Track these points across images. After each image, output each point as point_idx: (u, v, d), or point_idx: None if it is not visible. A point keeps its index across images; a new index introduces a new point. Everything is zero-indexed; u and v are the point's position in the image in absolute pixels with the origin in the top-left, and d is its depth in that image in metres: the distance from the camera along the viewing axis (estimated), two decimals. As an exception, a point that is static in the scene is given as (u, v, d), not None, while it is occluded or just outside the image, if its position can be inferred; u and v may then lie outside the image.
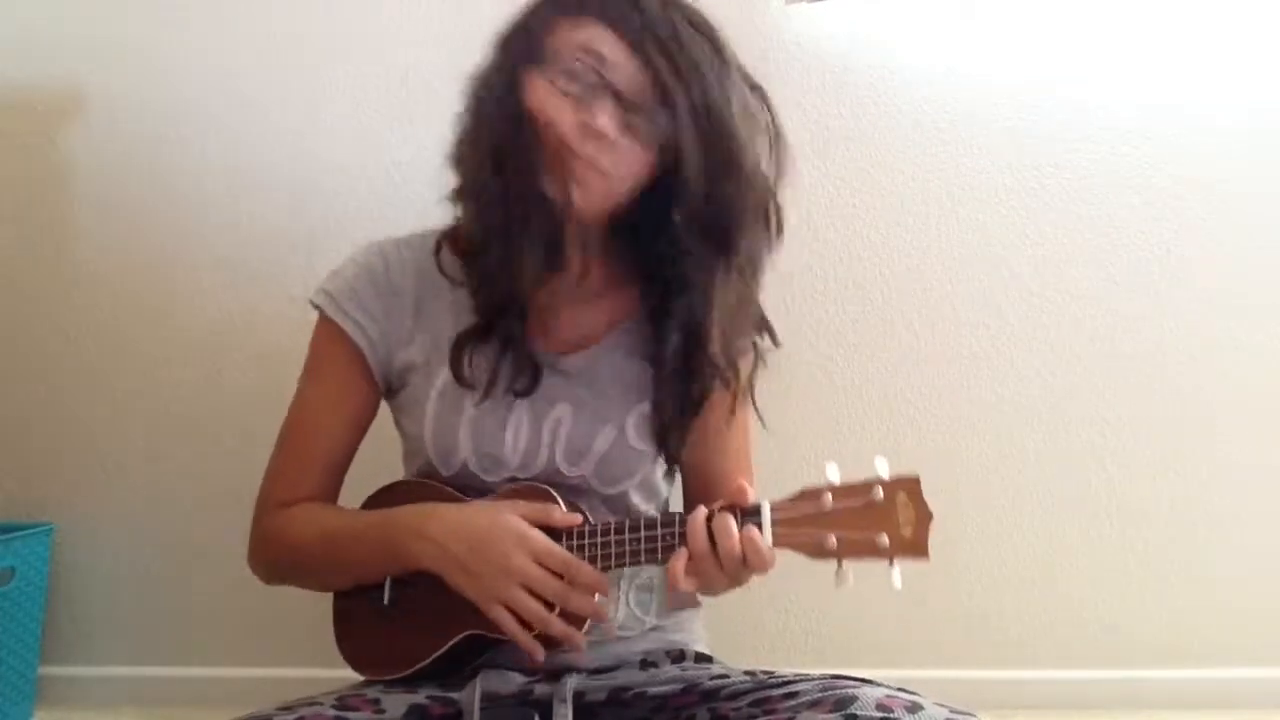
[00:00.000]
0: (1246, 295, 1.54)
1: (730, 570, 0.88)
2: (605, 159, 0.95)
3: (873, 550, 0.85)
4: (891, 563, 0.85)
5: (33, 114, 1.56)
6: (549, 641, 0.93)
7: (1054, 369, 1.55)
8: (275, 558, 1.08)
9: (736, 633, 1.53)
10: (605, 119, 0.93)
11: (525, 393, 1.02)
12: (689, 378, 1.03)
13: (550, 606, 0.92)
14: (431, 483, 1.05)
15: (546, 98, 0.95)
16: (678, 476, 1.17)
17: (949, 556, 1.53)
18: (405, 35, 1.55)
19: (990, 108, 1.54)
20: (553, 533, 0.95)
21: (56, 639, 1.56)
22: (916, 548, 0.84)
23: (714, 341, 1.02)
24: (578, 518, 0.96)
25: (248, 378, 1.55)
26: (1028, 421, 1.54)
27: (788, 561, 1.59)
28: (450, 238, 1.08)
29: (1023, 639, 1.55)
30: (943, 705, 0.83)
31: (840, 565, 0.86)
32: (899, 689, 0.85)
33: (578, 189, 0.96)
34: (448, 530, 0.95)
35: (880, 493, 0.86)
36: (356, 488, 1.12)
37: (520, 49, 0.99)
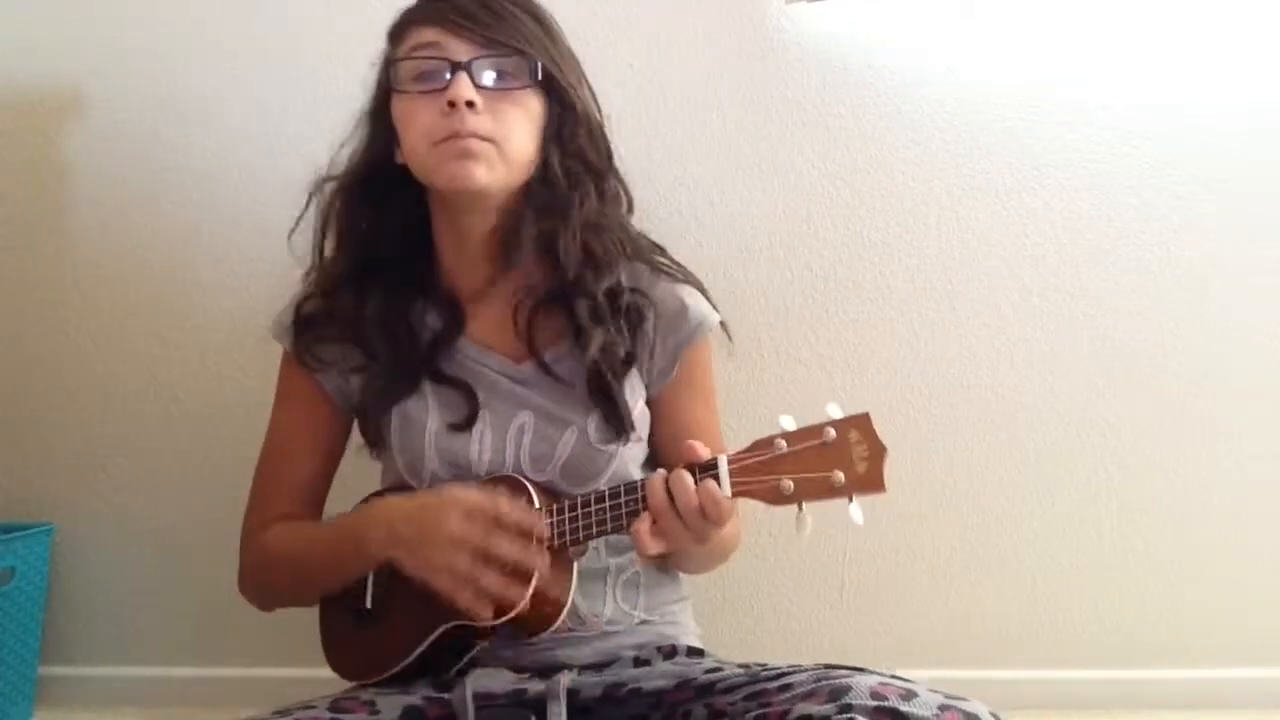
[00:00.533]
0: (1247, 295, 1.54)
1: (692, 524, 0.88)
2: (485, 124, 0.98)
3: (829, 489, 0.84)
4: (850, 499, 0.84)
5: (33, 114, 1.56)
6: (498, 609, 0.92)
7: (1054, 369, 1.54)
8: (264, 579, 1.11)
9: (735, 633, 1.53)
10: (459, 87, 0.96)
11: (466, 425, 1.04)
12: (584, 322, 1.04)
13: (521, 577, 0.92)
14: (412, 487, 1.06)
15: (404, 109, 1.02)
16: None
17: (948, 556, 1.53)
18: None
19: (990, 108, 1.54)
20: None
21: (56, 639, 1.56)
22: (872, 482, 0.84)
23: (584, 279, 1.04)
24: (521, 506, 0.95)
25: (248, 378, 1.55)
26: (1028, 421, 1.54)
27: (787, 563, 1.60)
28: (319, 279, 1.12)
29: (1023, 639, 1.55)
30: (936, 691, 0.83)
31: (800, 509, 0.85)
32: (892, 676, 0.86)
33: (475, 166, 0.98)
34: (396, 513, 0.97)
35: (832, 433, 0.85)
36: (353, 495, 1.13)
37: (375, 97, 1.08)
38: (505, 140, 0.99)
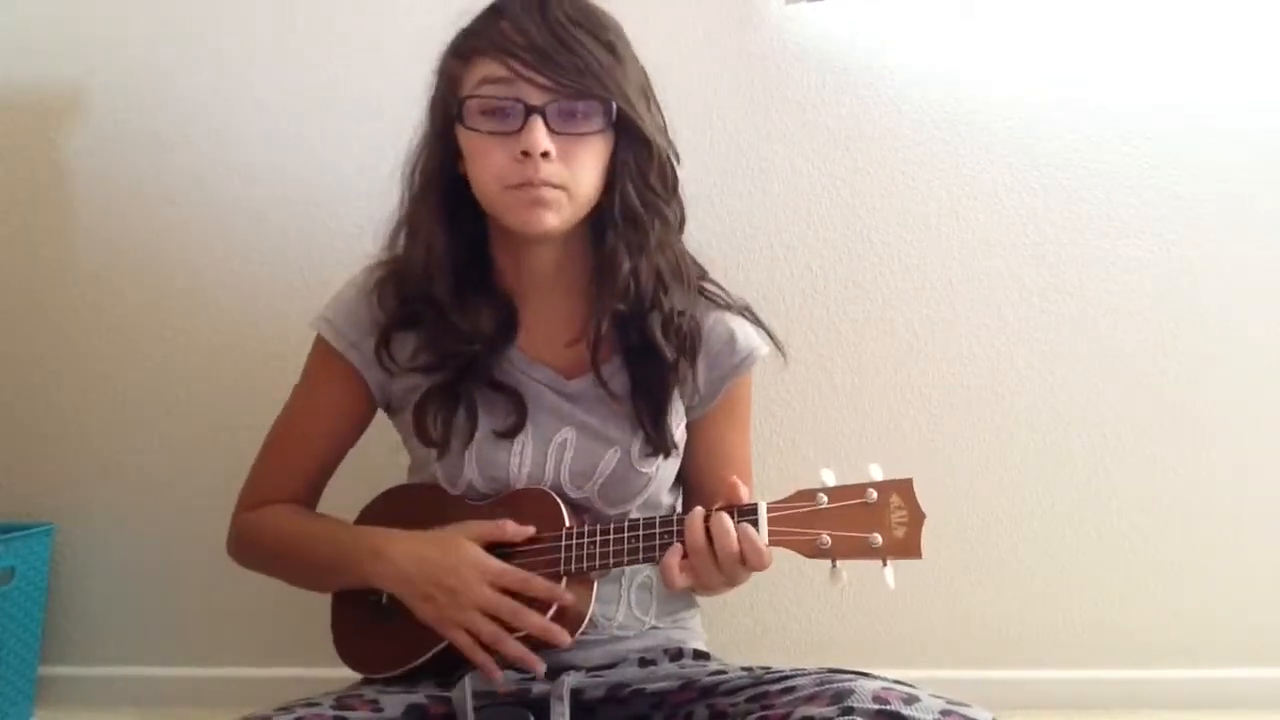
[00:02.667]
0: (1247, 295, 1.54)
1: (727, 568, 0.90)
2: (558, 172, 0.96)
3: (866, 550, 0.87)
4: (885, 563, 0.87)
5: (33, 114, 1.56)
6: (507, 661, 0.95)
7: (1054, 369, 1.54)
8: (242, 551, 1.12)
9: (736, 633, 1.53)
10: (535, 136, 0.94)
11: (511, 434, 1.03)
12: (649, 348, 1.03)
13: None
14: (440, 489, 1.06)
15: (474, 146, 0.98)
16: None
17: (948, 557, 1.53)
18: (412, 40, 1.54)
19: (990, 107, 1.54)
20: (543, 542, 0.97)
21: (56, 639, 1.56)
22: (909, 548, 0.86)
23: (659, 298, 1.03)
24: (529, 530, 0.97)
25: (248, 378, 1.55)
26: (1027, 421, 1.54)
27: (787, 563, 1.59)
28: (395, 278, 1.08)
29: (1023, 639, 1.55)
30: (939, 696, 0.83)
31: (834, 565, 0.87)
32: (895, 681, 0.86)
33: (547, 213, 0.97)
34: (405, 555, 0.97)
35: (874, 494, 0.88)
36: (358, 492, 1.13)
37: (440, 115, 1.03)
38: (576, 185, 0.97)
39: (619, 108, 0.97)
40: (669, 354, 1.03)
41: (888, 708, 0.80)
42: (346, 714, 0.90)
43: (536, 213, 0.96)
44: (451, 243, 1.04)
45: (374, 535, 1.02)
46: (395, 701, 0.93)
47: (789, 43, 1.54)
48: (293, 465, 1.12)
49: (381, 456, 1.19)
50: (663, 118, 1.06)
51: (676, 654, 1.06)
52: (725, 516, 0.89)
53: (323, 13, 1.55)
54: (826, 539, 0.87)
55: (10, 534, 1.46)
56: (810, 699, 0.84)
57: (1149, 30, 1.53)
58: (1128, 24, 1.53)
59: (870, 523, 0.87)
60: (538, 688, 0.96)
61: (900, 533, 0.86)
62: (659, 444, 1.05)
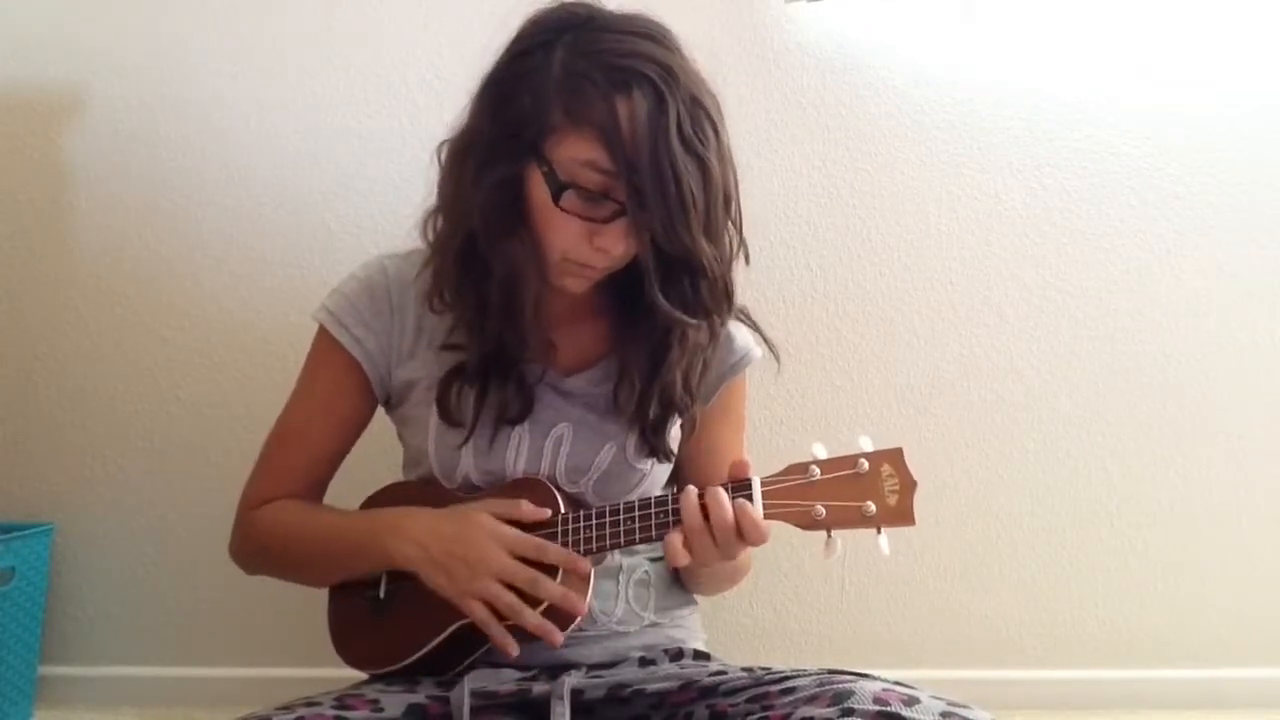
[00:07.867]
0: (1246, 295, 1.54)
1: (724, 543, 0.89)
2: (609, 263, 0.97)
3: (860, 518, 0.87)
4: (879, 530, 0.87)
5: (33, 114, 1.56)
6: (525, 635, 0.94)
7: (1054, 369, 1.55)
8: (250, 551, 1.11)
9: (735, 633, 1.54)
10: (619, 244, 0.94)
11: (517, 421, 1.04)
12: (674, 355, 1.03)
13: (534, 603, 0.94)
14: (436, 484, 1.06)
15: (548, 214, 0.94)
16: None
17: (949, 557, 1.54)
18: (409, 40, 1.55)
19: (991, 108, 1.54)
20: (550, 524, 0.97)
21: (56, 639, 1.56)
22: (903, 514, 0.87)
23: (675, 386, 1.03)
24: (545, 512, 0.97)
25: (247, 378, 1.55)
26: (1027, 421, 1.55)
27: (787, 563, 1.59)
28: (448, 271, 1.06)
29: (1022, 639, 1.55)
30: (939, 698, 0.83)
31: (829, 535, 0.88)
32: (896, 682, 0.86)
33: (574, 281, 0.99)
34: (425, 529, 0.98)
35: (865, 464, 0.88)
36: (357, 490, 1.13)
37: (519, 137, 0.94)
38: (619, 264, 0.98)
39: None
40: (685, 411, 1.05)
41: (888, 709, 0.80)
42: (347, 714, 0.90)
43: (580, 284, 0.99)
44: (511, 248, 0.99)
45: (391, 513, 1.02)
46: (396, 701, 0.93)
47: (788, 43, 1.54)
48: (296, 460, 1.12)
49: (379, 455, 1.19)
50: (738, 217, 1.01)
51: (676, 654, 1.06)
52: (720, 491, 0.90)
53: (321, 14, 1.55)
54: (821, 509, 0.88)
55: (10, 534, 1.45)
56: (810, 700, 0.84)
57: (1149, 31, 1.54)
58: (1128, 24, 1.54)
59: (863, 492, 0.88)
60: (537, 688, 0.95)
61: (893, 500, 0.87)
62: (656, 450, 1.05)
